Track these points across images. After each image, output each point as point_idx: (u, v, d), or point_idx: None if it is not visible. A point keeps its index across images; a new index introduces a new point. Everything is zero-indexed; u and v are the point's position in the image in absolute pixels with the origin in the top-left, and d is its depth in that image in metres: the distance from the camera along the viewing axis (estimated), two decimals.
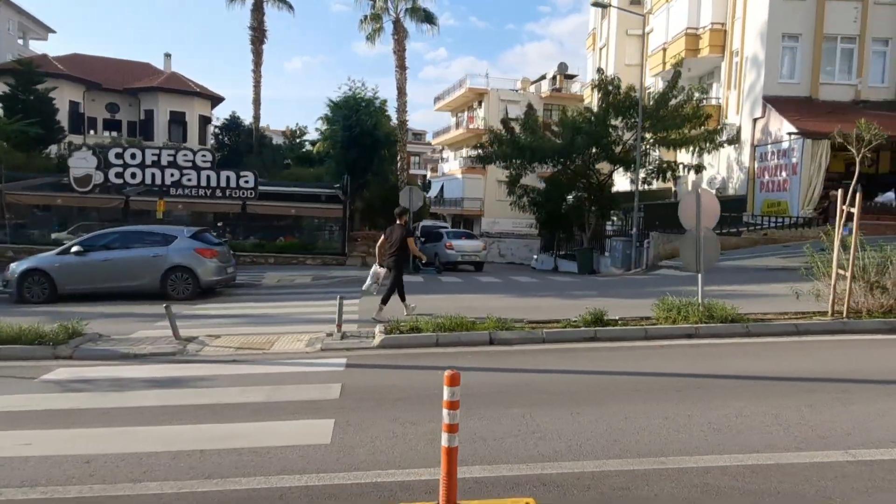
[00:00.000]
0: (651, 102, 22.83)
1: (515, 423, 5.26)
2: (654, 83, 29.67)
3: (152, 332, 9.69)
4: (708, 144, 23.16)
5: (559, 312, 10.37)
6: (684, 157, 25.57)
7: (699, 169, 24.46)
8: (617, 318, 9.27)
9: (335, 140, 24.35)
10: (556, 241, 29.18)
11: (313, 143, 39.01)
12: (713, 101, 26.64)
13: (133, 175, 20.47)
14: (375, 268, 10.92)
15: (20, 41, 48.66)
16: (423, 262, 10.65)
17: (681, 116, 22.52)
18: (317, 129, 38.16)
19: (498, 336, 8.49)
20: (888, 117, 19.82)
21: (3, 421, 5.66)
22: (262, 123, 36.24)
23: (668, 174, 23.73)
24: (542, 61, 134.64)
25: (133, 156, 20.65)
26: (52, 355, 8.28)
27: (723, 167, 26.62)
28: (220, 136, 43.28)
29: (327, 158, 31.02)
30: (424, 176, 59.24)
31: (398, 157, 29.51)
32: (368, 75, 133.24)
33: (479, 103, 46.70)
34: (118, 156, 20.67)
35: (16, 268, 14.03)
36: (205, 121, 45.46)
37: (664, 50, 29.05)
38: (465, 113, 49.25)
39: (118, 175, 20.53)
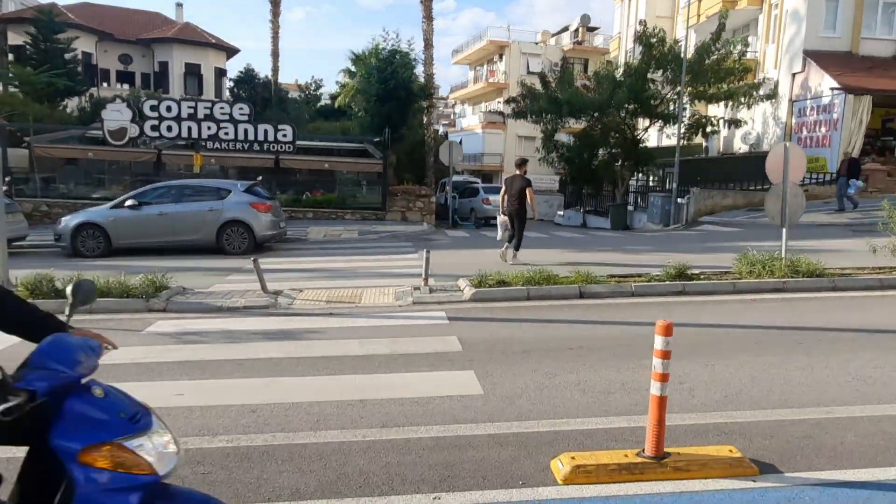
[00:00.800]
0: (693, 55, 22.35)
1: None
2: (685, 36, 29.01)
3: (230, 286, 9.74)
4: (747, 99, 22.80)
5: (626, 266, 10.44)
6: (717, 111, 25.19)
7: (736, 124, 24.14)
8: (698, 271, 9.30)
9: (368, 93, 23.90)
10: (584, 196, 29.02)
11: (333, 96, 38.50)
12: (749, 55, 26.09)
13: (169, 128, 20.17)
14: (500, 217, 11.93)
15: None
16: (535, 217, 12.04)
17: (723, 70, 22.12)
18: (337, 83, 37.69)
19: (588, 289, 8.52)
20: None
21: (139, 372, 5.70)
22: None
23: (708, 128, 23.40)
24: (551, 13, 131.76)
25: (169, 108, 20.31)
26: (144, 308, 8.35)
27: (758, 122, 26.28)
28: (236, 90, 42.69)
29: (351, 112, 30.54)
30: (437, 131, 58.49)
31: (424, 112, 29.13)
32: (376, 28, 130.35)
33: (500, 56, 45.78)
34: (153, 108, 20.36)
35: (68, 221, 14.02)
36: (220, 73, 44.69)
37: (699, 1, 28.37)
38: (485, 66, 48.33)
39: (153, 128, 20.25)
